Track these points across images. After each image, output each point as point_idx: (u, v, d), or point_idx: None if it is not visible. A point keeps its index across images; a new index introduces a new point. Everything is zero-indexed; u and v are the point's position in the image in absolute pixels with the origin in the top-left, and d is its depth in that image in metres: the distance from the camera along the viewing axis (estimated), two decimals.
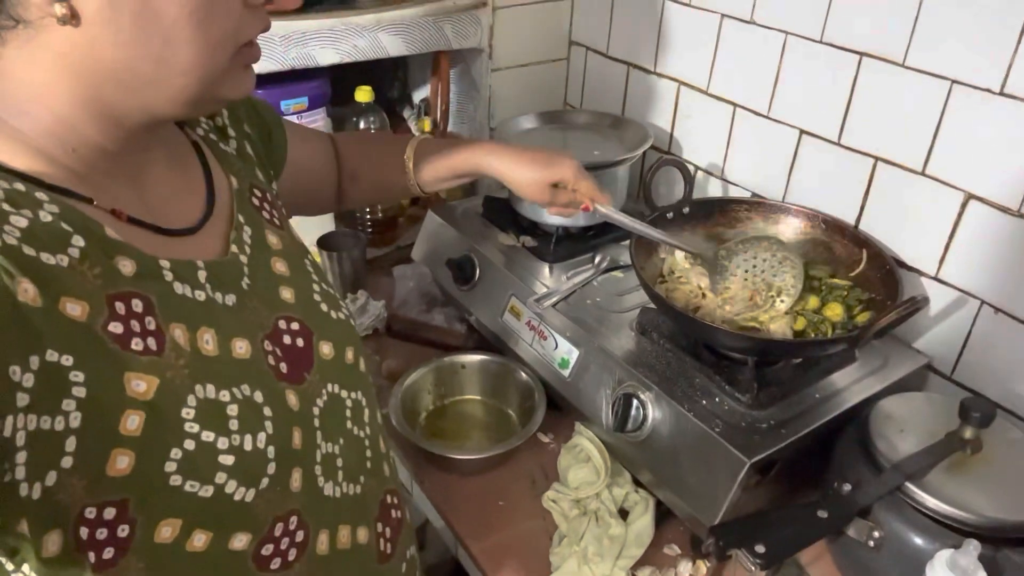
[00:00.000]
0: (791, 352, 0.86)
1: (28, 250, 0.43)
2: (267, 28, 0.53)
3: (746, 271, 0.91)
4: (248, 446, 0.51)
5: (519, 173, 0.85)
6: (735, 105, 1.10)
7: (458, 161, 0.87)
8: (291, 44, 1.07)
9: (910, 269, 0.95)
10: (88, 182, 0.50)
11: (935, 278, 0.93)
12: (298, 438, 0.56)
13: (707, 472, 0.78)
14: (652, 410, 0.83)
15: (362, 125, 1.27)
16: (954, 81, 0.85)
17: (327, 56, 1.11)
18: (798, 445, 0.78)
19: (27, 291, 0.42)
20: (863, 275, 0.92)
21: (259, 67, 1.03)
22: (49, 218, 0.45)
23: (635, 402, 0.84)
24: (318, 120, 1.21)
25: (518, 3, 1.27)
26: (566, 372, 0.94)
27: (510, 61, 1.32)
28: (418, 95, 1.48)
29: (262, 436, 0.52)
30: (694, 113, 1.17)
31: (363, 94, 1.24)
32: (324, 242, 1.23)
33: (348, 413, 0.64)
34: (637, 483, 0.91)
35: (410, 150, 0.86)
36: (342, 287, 1.23)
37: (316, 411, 0.59)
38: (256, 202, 0.65)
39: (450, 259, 1.11)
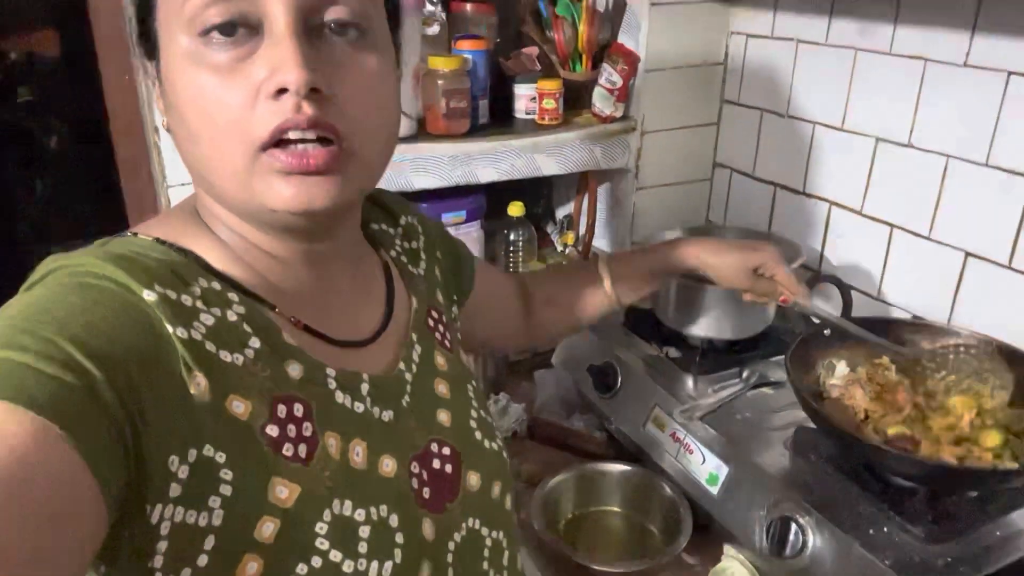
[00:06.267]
0: (968, 483, 0.80)
1: (210, 346, 0.46)
2: (295, 124, 0.45)
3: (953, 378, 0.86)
4: (372, 574, 0.49)
5: (722, 259, 0.87)
6: (892, 226, 1.09)
7: (659, 263, 0.91)
8: (457, 164, 1.17)
9: None
10: (275, 290, 0.53)
11: None
12: (427, 573, 0.53)
13: None
14: (813, 536, 0.79)
15: (512, 237, 1.35)
16: None
17: (487, 174, 1.20)
18: None
19: (199, 384, 0.44)
20: None
21: (427, 182, 1.15)
22: (235, 318, 0.49)
23: (794, 526, 0.80)
24: (472, 232, 1.30)
25: (665, 128, 1.34)
26: (714, 489, 0.91)
27: (655, 181, 1.38)
28: (561, 211, 1.56)
29: (388, 565, 0.50)
30: (847, 233, 1.16)
31: (515, 208, 1.32)
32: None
33: (486, 553, 0.60)
34: None
35: (602, 267, 0.91)
36: (484, 389, 1.26)
37: (452, 546, 0.56)
38: (431, 323, 0.66)
39: (592, 365, 1.12)
